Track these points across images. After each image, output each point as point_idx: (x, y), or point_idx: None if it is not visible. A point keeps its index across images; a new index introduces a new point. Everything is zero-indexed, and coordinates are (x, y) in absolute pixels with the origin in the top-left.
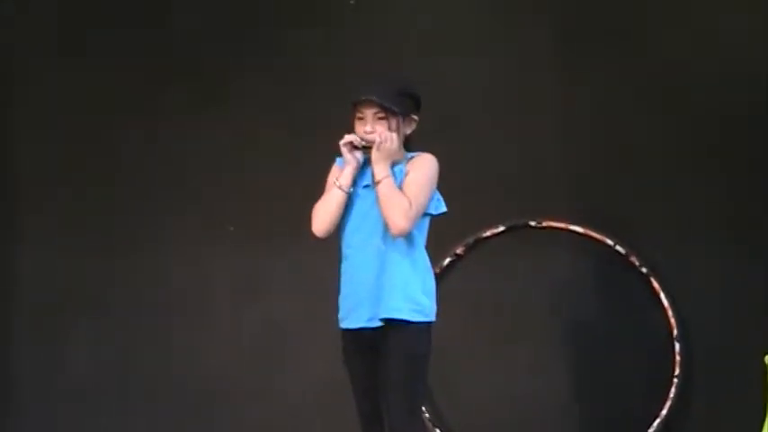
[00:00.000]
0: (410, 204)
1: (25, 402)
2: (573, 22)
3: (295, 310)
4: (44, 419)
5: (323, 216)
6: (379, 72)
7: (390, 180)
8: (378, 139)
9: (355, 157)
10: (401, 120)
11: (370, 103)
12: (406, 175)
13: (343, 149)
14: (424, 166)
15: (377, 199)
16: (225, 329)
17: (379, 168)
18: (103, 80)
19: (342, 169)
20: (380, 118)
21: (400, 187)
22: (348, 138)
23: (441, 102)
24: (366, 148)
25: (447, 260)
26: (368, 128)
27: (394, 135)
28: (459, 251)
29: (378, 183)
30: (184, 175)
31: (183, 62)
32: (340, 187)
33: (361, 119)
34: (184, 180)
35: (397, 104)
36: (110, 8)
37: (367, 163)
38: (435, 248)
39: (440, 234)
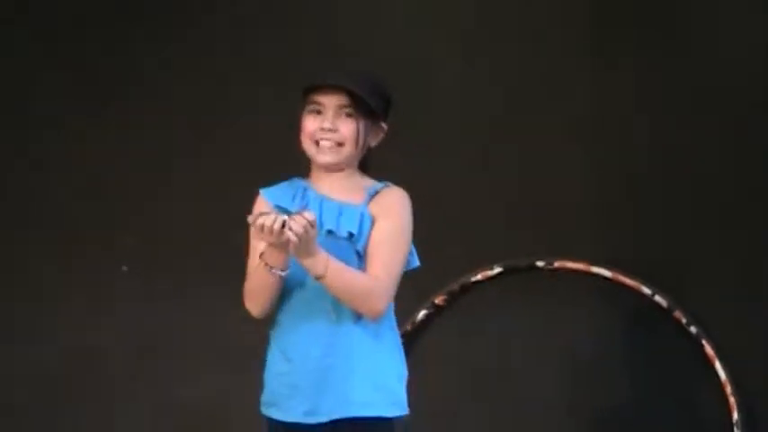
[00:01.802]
0: (381, 281)
1: None
2: (598, 23)
3: (209, 386)
4: None
5: (259, 301)
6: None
7: (334, 267)
8: (294, 238)
9: (283, 241)
10: (368, 124)
11: (334, 91)
12: (374, 222)
13: (259, 234)
14: (397, 213)
15: (331, 292)
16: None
17: (313, 261)
18: None
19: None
20: (348, 115)
21: (367, 242)
22: (258, 222)
23: (418, 107)
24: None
25: (422, 313)
26: (327, 124)
27: (311, 222)
28: (438, 301)
29: (322, 278)
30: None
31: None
32: (274, 272)
33: (316, 113)
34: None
35: (373, 100)
36: None
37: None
38: (406, 298)
39: (412, 279)
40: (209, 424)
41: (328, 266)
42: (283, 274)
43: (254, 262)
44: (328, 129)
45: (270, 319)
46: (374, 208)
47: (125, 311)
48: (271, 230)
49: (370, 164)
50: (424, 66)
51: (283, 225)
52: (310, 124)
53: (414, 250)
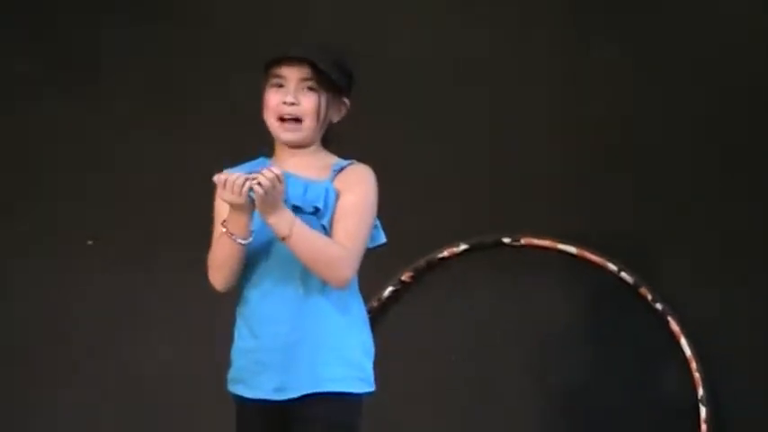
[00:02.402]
0: (346, 249)
1: None
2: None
3: (171, 358)
4: None
5: (222, 273)
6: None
7: (299, 229)
8: (260, 189)
9: (246, 202)
10: (330, 99)
11: (297, 64)
12: (338, 197)
13: (222, 192)
14: (362, 187)
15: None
16: (80, 382)
17: (279, 220)
18: None
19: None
20: (310, 88)
21: (333, 216)
22: (221, 177)
23: (383, 81)
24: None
25: (388, 290)
26: (289, 98)
27: (279, 176)
28: (404, 278)
29: (287, 239)
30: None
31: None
32: (233, 238)
33: (279, 87)
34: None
35: (335, 73)
36: None
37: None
38: (372, 275)
39: (378, 255)
40: (169, 397)
41: (293, 226)
42: (245, 242)
43: (217, 234)
44: (290, 102)
45: (236, 295)
46: (339, 183)
47: (91, 282)
48: (233, 186)
49: (332, 138)
50: (390, 38)
51: (245, 182)
52: (272, 98)
53: (380, 226)
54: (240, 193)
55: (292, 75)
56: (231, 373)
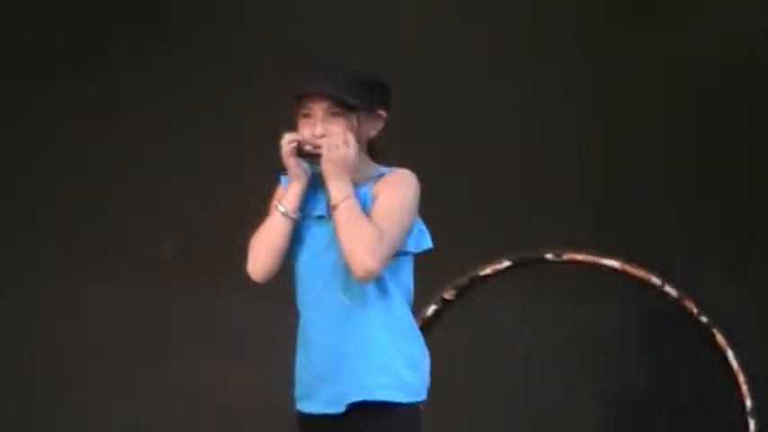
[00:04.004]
0: (380, 236)
1: None
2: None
3: (235, 378)
4: None
5: (262, 253)
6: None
7: (352, 202)
8: (324, 148)
9: (303, 169)
10: (361, 116)
11: (317, 97)
12: (375, 197)
13: (287, 156)
14: (399, 186)
15: (335, 231)
16: (137, 398)
17: (337, 186)
18: None
19: (286, 189)
20: (335, 114)
21: (367, 215)
22: (290, 137)
23: (422, 99)
24: (318, 156)
25: (431, 308)
26: (318, 130)
27: (349, 135)
28: (447, 296)
29: (335, 207)
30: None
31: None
32: (284, 213)
33: (307, 117)
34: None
35: (355, 95)
36: None
37: (320, 184)
38: (415, 293)
39: (422, 274)
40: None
41: (348, 197)
42: (294, 216)
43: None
44: (320, 135)
45: (290, 307)
46: (378, 187)
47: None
48: (303, 142)
49: (378, 152)
50: (432, 59)
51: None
52: (303, 130)
53: (425, 230)
54: (313, 144)
55: (316, 106)
56: (295, 391)
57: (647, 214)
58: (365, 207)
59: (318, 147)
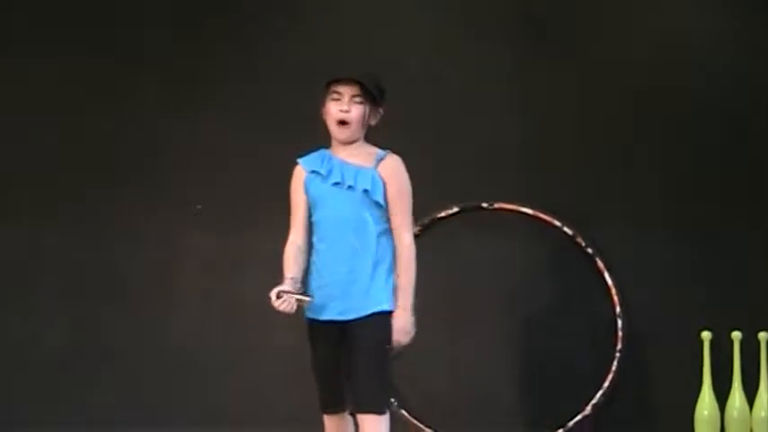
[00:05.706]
0: (404, 231)
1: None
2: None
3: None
4: (22, 387)
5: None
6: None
7: (408, 299)
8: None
9: (290, 303)
10: (371, 108)
11: (350, 83)
12: (385, 184)
13: (279, 305)
14: (402, 177)
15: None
16: (194, 305)
17: (410, 325)
18: (74, 71)
19: (303, 178)
20: (357, 102)
21: (380, 196)
22: (275, 292)
23: (399, 91)
24: (301, 299)
25: None
26: (344, 107)
27: (409, 334)
28: (415, 231)
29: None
30: (156, 161)
31: (154, 52)
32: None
33: (337, 99)
34: (156, 165)
35: (375, 90)
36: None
37: (334, 162)
38: None
39: None
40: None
41: (409, 305)
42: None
43: (293, 219)
44: (345, 110)
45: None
46: (382, 171)
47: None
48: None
49: (370, 134)
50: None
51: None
52: (332, 107)
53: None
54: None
55: (346, 91)
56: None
57: (561, 178)
58: (375, 186)
59: (289, 292)
